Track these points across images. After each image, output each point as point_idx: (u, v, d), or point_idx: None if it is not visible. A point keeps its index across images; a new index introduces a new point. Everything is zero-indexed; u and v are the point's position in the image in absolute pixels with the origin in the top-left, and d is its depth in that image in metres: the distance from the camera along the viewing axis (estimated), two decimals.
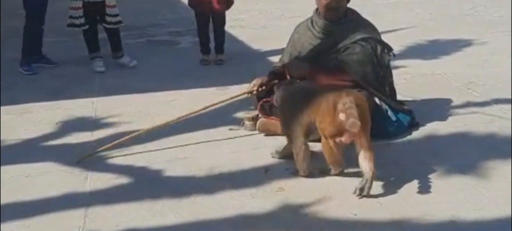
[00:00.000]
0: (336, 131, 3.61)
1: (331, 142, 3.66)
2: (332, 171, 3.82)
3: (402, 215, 3.43)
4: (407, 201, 3.57)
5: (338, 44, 4.52)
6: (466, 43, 7.02)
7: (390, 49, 4.65)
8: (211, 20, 6.51)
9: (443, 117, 4.77)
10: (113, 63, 6.41)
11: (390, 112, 4.48)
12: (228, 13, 6.59)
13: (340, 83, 4.32)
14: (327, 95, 3.71)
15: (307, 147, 3.83)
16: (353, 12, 4.65)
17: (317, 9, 4.61)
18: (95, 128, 4.79)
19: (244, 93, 4.67)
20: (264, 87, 4.58)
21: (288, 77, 4.49)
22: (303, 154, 3.80)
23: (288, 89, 4.22)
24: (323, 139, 3.72)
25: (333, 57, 4.52)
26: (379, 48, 4.56)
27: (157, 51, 7.09)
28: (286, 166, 4.01)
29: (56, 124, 4.90)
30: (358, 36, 4.50)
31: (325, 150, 3.74)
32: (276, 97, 4.24)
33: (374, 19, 4.89)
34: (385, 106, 4.49)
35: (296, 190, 3.73)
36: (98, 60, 6.33)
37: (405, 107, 4.65)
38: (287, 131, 3.99)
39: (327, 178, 3.85)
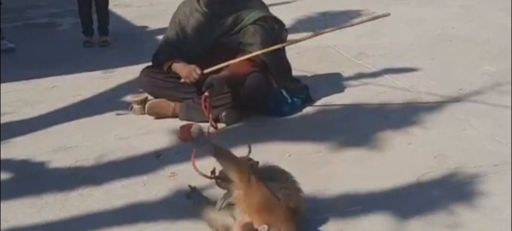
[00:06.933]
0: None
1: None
2: None
3: None
4: (300, 177, 3.43)
5: (232, 25, 4.46)
6: (356, 14, 7.20)
7: (283, 25, 4.67)
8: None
9: (336, 90, 4.87)
10: None
11: (285, 93, 4.50)
12: None
13: (248, 69, 4.26)
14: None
15: None
16: None
17: None
18: None
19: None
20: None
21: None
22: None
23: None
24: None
25: (232, 39, 4.45)
26: (276, 26, 4.57)
27: (36, 35, 6.88)
28: (178, 149, 3.94)
29: None
30: (254, 15, 4.46)
31: None
32: None
33: None
34: (281, 88, 4.51)
35: (189, 174, 3.57)
36: None
37: (300, 83, 4.71)
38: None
39: None
